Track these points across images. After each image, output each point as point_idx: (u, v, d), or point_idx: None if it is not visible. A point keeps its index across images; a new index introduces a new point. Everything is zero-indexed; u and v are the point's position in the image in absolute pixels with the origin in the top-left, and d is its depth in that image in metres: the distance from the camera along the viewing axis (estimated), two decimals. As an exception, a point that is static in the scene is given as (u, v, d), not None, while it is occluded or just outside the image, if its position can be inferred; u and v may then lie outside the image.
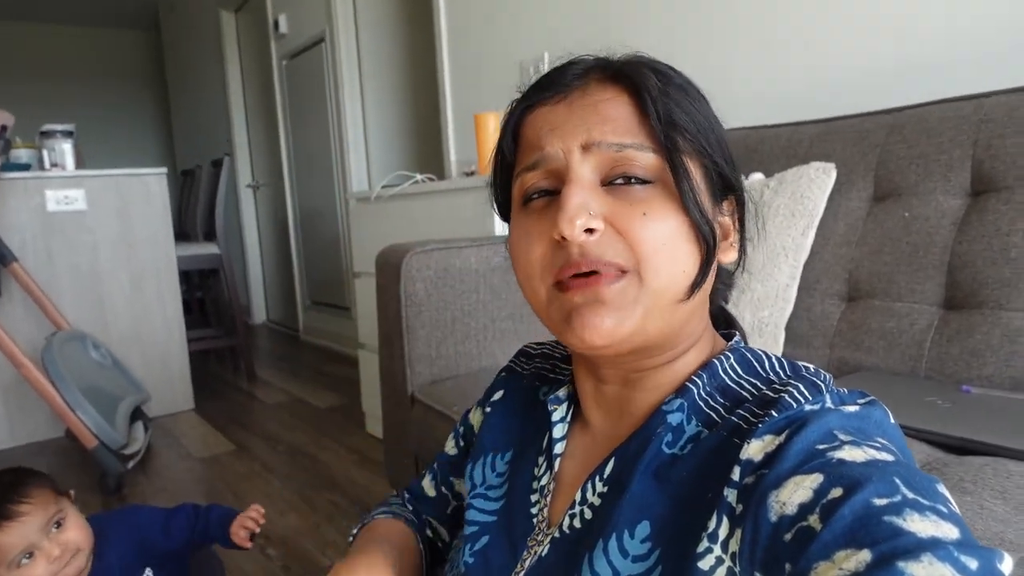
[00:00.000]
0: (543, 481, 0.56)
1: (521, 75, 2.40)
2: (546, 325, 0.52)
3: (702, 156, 0.48)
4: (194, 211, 3.84)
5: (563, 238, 0.46)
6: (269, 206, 5.06)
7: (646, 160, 0.46)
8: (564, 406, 0.58)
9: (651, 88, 0.47)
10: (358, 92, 3.71)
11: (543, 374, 0.65)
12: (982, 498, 0.69)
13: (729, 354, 0.51)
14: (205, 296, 4.21)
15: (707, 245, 0.47)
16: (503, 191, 0.55)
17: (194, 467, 2.34)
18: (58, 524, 1.04)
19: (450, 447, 0.72)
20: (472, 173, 2.43)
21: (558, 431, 0.57)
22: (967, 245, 1.09)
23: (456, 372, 1.36)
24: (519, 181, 0.51)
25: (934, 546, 0.30)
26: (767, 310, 1.26)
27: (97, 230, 2.80)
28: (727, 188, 0.51)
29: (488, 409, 0.65)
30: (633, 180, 0.47)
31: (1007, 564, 0.31)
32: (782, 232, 1.27)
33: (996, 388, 0.99)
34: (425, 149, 3.50)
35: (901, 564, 0.30)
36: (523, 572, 0.52)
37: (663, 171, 0.47)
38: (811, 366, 0.48)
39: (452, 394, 1.25)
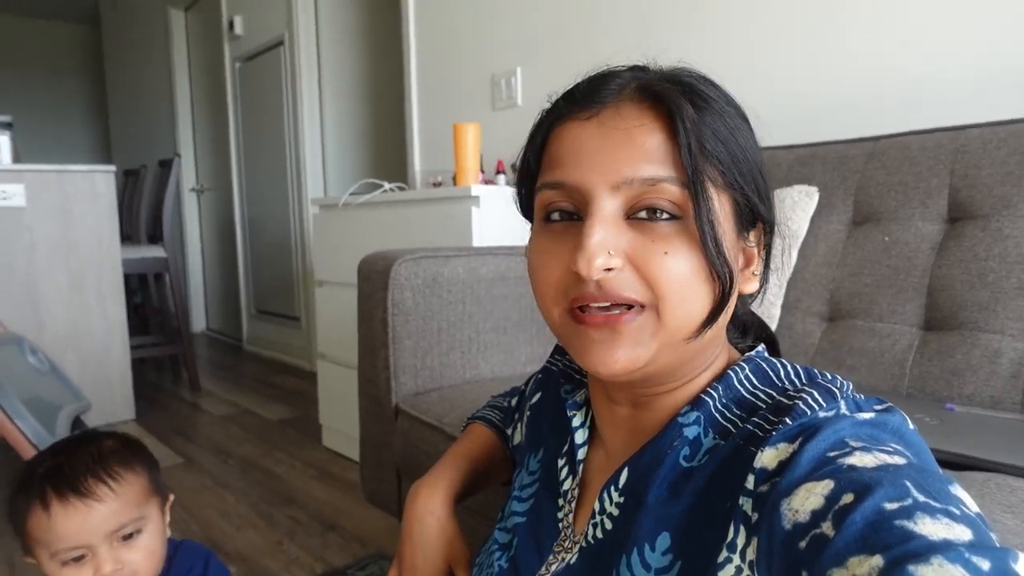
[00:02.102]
0: (566, 486, 0.57)
1: (493, 89, 2.41)
2: (561, 343, 0.52)
3: (732, 189, 0.47)
4: (137, 212, 3.68)
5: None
6: (213, 211, 4.89)
7: (674, 194, 0.45)
8: (582, 412, 0.58)
9: (687, 118, 0.45)
10: (316, 98, 3.65)
11: (569, 372, 0.65)
12: (992, 512, 0.71)
13: (744, 364, 0.51)
14: (145, 301, 4.03)
15: (723, 285, 0.46)
16: (527, 195, 0.55)
17: (138, 481, 2.21)
18: (130, 535, 0.85)
19: (511, 402, 0.77)
20: (440, 184, 2.42)
21: (579, 436, 0.57)
22: (946, 269, 1.14)
23: (440, 384, 1.33)
24: (541, 196, 0.50)
25: (945, 548, 0.30)
26: (751, 327, 1.29)
27: (36, 228, 2.65)
28: (756, 217, 0.50)
29: (528, 413, 0.66)
30: (658, 214, 0.45)
31: (1022, 564, 0.30)
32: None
33: (977, 407, 1.03)
34: (385, 157, 3.46)
35: (912, 568, 0.29)
36: (549, 575, 0.53)
37: (689, 205, 0.45)
38: (828, 373, 0.48)
39: (439, 406, 1.22)
